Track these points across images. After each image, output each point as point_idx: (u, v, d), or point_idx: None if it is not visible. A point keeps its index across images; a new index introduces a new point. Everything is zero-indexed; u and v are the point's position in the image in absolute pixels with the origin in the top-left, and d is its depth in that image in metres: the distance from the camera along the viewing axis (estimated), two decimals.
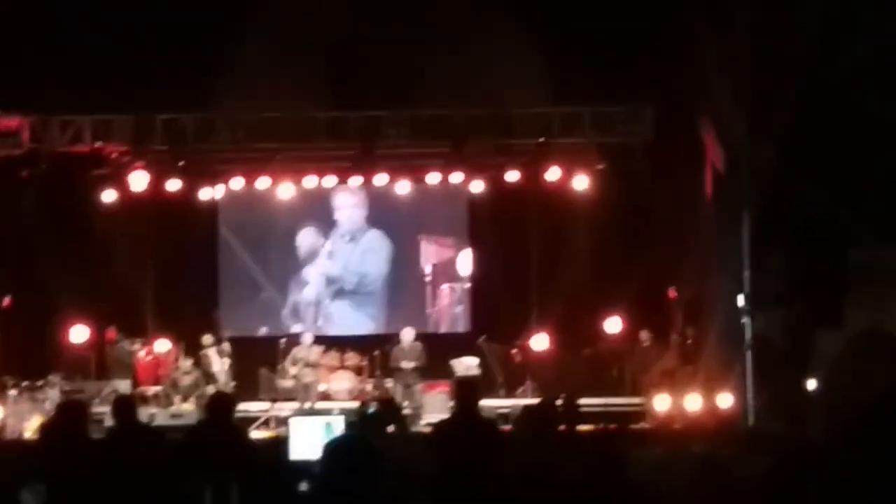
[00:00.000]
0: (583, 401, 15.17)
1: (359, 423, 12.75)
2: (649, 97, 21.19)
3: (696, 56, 19.27)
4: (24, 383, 20.19)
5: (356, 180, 23.22)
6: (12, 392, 19.86)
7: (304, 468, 6.19)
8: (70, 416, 10.36)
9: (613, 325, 22.45)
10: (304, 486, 6.35)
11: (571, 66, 20.37)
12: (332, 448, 5.64)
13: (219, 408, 10.35)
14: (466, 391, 10.03)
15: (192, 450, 9.94)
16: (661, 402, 19.65)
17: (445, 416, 19.13)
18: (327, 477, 5.47)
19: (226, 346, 21.88)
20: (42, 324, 22.12)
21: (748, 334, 19.55)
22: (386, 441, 10.51)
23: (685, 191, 20.54)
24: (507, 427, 14.37)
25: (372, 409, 17.15)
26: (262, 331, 24.01)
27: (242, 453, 9.59)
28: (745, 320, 19.59)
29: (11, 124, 21.22)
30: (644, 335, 21.87)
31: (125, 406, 10.70)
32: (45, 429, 11.58)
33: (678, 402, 19.49)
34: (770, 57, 18.57)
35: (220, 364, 21.42)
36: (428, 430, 19.16)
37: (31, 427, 18.91)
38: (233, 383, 21.09)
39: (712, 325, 20.17)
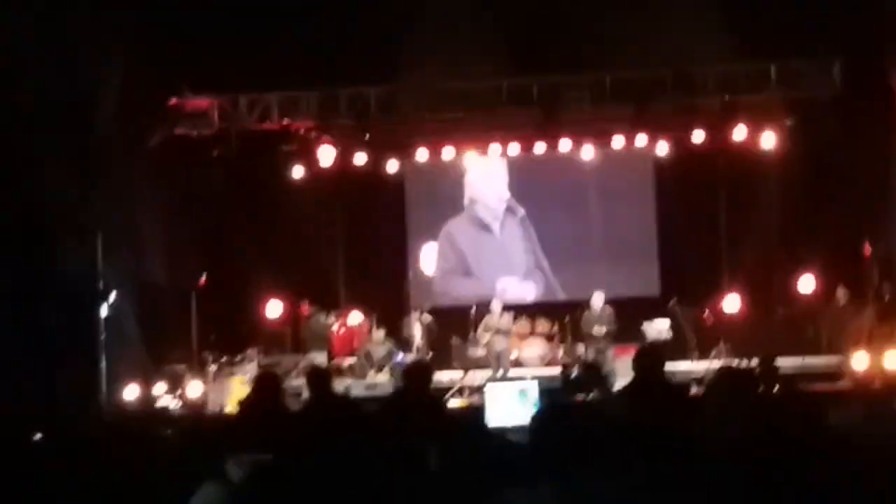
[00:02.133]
0: (779, 361, 14.98)
1: (562, 387, 12.77)
2: (837, 50, 20.73)
3: (884, 6, 18.78)
4: (224, 359, 20.65)
5: (540, 147, 23.15)
6: (212, 367, 20.31)
7: (502, 434, 6.18)
8: (266, 389, 10.54)
9: (807, 283, 22.06)
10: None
11: (755, 20, 20.03)
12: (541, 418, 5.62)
13: (417, 376, 10.42)
14: (647, 360, 9.83)
15: (390, 419, 10.03)
16: (860, 361, 19.23)
17: None
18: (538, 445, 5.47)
19: (427, 316, 22.05)
20: (238, 300, 22.62)
21: None
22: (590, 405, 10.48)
23: (877, 144, 20.06)
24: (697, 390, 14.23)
25: (574, 373, 17.17)
26: (451, 300, 24.13)
27: (441, 422, 9.66)
28: None
29: (201, 105, 21.66)
30: (840, 293, 21.43)
31: (320, 377, 10.82)
32: (243, 403, 11.78)
33: (877, 361, 19.05)
34: None
35: (419, 334, 21.57)
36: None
37: (231, 401, 19.32)
38: (430, 353, 21.21)
39: None
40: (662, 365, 9.62)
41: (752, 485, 5.27)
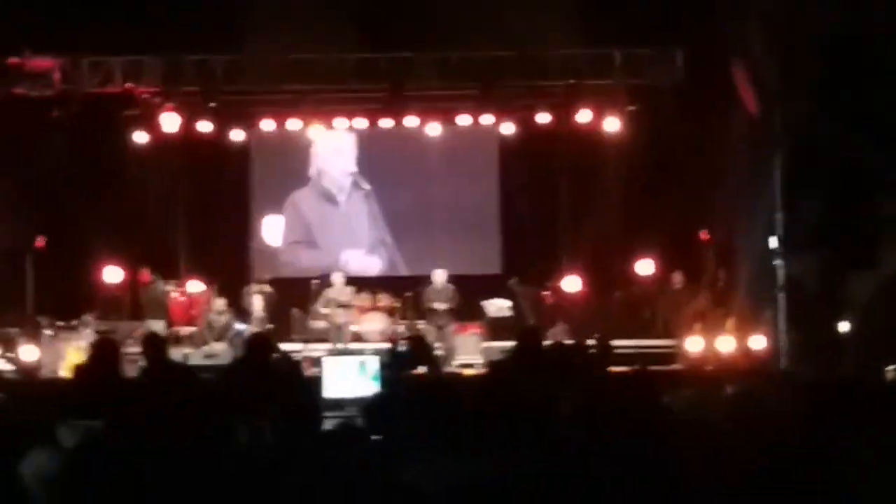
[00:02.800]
0: (615, 342, 15.25)
1: (390, 362, 12.81)
2: (681, 39, 21.08)
3: None
4: (59, 323, 20.36)
5: (387, 122, 23.17)
6: (47, 332, 20.01)
7: (337, 406, 6.24)
8: (104, 355, 10.45)
9: (645, 267, 22.43)
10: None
11: (602, 7, 20.27)
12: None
13: (258, 349, 10.43)
14: (529, 336, 10.06)
15: (227, 388, 10.02)
16: (694, 344, 19.67)
17: (477, 356, 19.40)
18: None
19: (267, 287, 21.97)
20: (75, 264, 22.24)
21: (781, 277, 19.53)
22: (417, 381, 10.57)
23: (716, 133, 20.41)
24: None
25: (402, 347, 17.21)
26: (292, 272, 24.08)
27: (277, 392, 9.68)
28: (778, 263, 19.58)
29: (42, 65, 21.24)
30: (676, 277, 21.85)
31: (155, 344, 10.78)
32: (79, 368, 11.66)
33: (711, 344, 19.51)
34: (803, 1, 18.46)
35: (259, 305, 21.47)
36: (461, 371, 19.35)
37: (65, 366, 19.06)
38: (270, 325, 21.14)
39: (744, 268, 20.15)
40: (540, 344, 9.83)
41: (585, 459, 5.37)
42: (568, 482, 5.09)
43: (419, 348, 12.17)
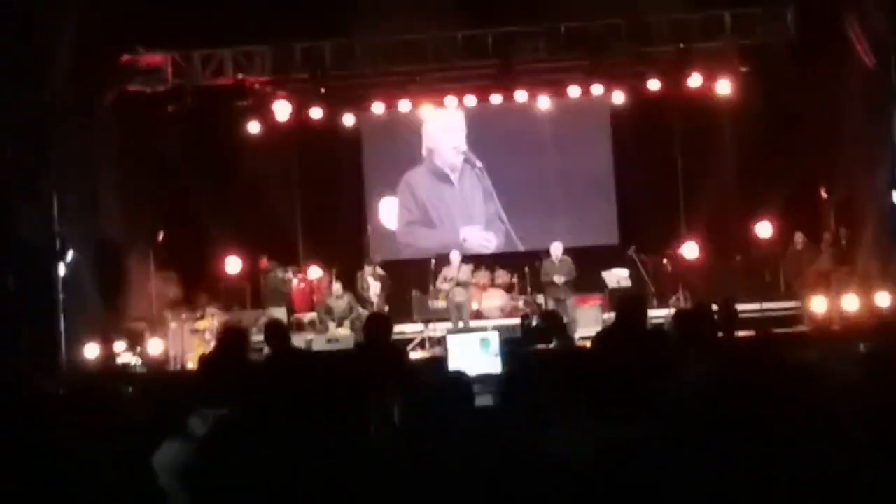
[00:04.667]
0: (738, 306, 15.07)
1: (522, 337, 12.75)
2: None
3: None
4: (184, 315, 20.62)
5: (496, 98, 23.12)
6: (173, 325, 20.28)
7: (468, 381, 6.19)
8: (231, 343, 10.53)
9: (764, 229, 22.21)
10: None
11: None
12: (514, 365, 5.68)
13: (376, 329, 10.42)
14: (632, 305, 9.96)
15: (351, 372, 10.03)
16: (818, 305, 19.41)
17: (598, 328, 19.30)
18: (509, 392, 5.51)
19: (379, 269, 22.04)
20: (196, 257, 22.55)
21: None
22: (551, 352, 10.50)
23: (832, 89, 20.12)
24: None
25: (534, 322, 17.16)
26: (409, 253, 24.15)
27: (403, 373, 9.67)
28: None
29: (155, 61, 21.49)
30: (797, 238, 21.58)
31: (277, 331, 10.81)
32: (205, 358, 11.77)
33: (835, 304, 19.23)
34: None
35: (374, 287, 21.57)
36: (583, 343, 19.26)
37: (192, 357, 19.31)
38: (386, 307, 21.21)
39: (866, 224, 19.82)
40: (644, 312, 9.74)
41: (715, 426, 5.31)
42: (701, 448, 5.04)
43: (552, 321, 12.07)
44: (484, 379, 9.85)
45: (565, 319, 18.91)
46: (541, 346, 11.15)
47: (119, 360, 19.22)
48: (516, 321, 20.53)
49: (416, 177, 24.88)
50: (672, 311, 19.82)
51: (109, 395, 7.10)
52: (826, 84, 20.08)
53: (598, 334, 10.52)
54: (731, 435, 5.05)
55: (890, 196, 19.24)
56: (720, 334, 10.51)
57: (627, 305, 9.94)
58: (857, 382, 6.30)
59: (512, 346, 13.91)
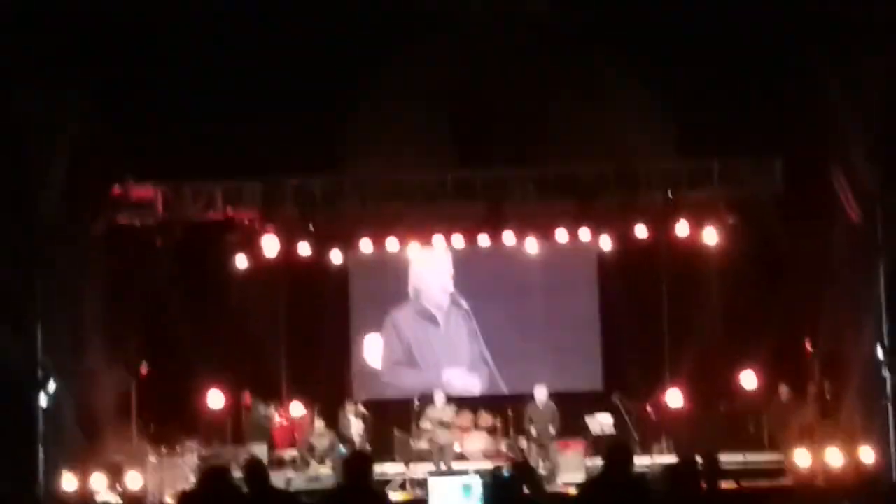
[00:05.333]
0: (721, 457, 14.98)
1: (493, 487, 12.63)
2: (778, 148, 20.94)
3: (825, 106, 19.03)
4: (163, 449, 20.44)
5: (484, 239, 23.19)
6: (152, 458, 20.08)
7: None
8: (212, 482, 10.42)
9: (749, 379, 22.14)
10: None
11: (698, 119, 20.22)
12: None
13: (357, 468, 10.31)
14: (620, 455, 9.93)
15: None
16: (802, 458, 19.29)
17: (581, 474, 19.15)
18: None
19: (361, 407, 21.92)
20: (179, 390, 22.39)
21: (889, 386, 19.15)
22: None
23: (819, 242, 20.21)
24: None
25: (506, 472, 17.04)
26: (393, 392, 24.05)
27: None
28: (885, 373, 19.20)
29: (145, 194, 21.58)
30: (782, 389, 21.54)
31: (256, 470, 10.69)
32: (185, 494, 11.63)
33: (819, 458, 19.12)
34: None
35: (356, 426, 21.45)
36: (565, 489, 19.12)
37: (171, 493, 19.11)
38: (368, 446, 21.04)
39: (851, 378, 19.79)
40: (631, 462, 9.70)
41: None
42: None
43: (523, 473, 11.99)
44: None
45: (540, 464, 18.86)
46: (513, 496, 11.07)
47: (98, 497, 19.01)
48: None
49: (401, 316, 24.86)
50: (655, 459, 19.79)
51: None
52: (813, 236, 20.18)
53: (586, 482, 10.47)
54: None
55: (875, 351, 19.26)
56: (704, 486, 10.46)
57: (615, 454, 9.89)
58: None
59: (496, 492, 13.77)
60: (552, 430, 21.01)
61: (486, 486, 13.43)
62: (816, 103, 19.10)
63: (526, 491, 11.32)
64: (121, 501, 19.14)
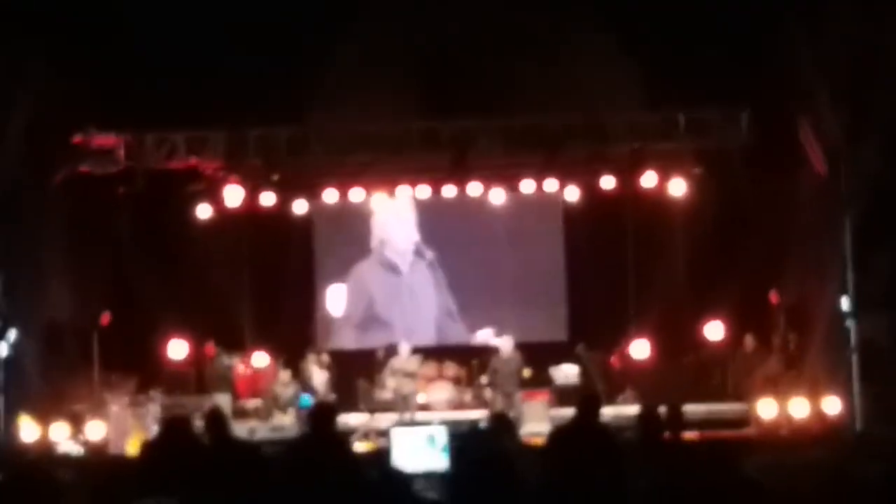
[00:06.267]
0: (686, 407, 15.00)
1: (471, 437, 12.58)
2: (744, 100, 20.91)
3: (792, 58, 18.98)
4: (126, 399, 20.36)
5: (449, 190, 23.10)
6: (114, 408, 19.99)
7: (407, 479, 6.07)
8: (173, 431, 10.37)
9: (715, 330, 22.21)
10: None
11: (665, 71, 20.15)
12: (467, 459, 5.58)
13: (320, 417, 10.28)
14: (592, 403, 9.95)
15: (294, 461, 9.87)
16: (767, 408, 19.36)
17: (545, 425, 19.17)
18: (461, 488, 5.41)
19: (325, 357, 21.90)
20: (141, 340, 22.31)
21: (853, 338, 19.23)
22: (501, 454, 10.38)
23: (784, 194, 20.25)
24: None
25: (483, 423, 17.06)
26: (357, 342, 24.02)
27: (346, 464, 9.53)
28: (850, 323, 19.28)
29: (107, 143, 21.38)
30: (747, 340, 21.63)
31: (216, 420, 10.66)
32: (147, 444, 11.58)
33: (783, 408, 19.21)
34: (869, 54, 18.27)
35: (319, 376, 21.43)
36: (529, 439, 19.10)
37: (132, 442, 19.04)
38: (332, 395, 21.04)
39: (816, 329, 19.87)
40: (599, 411, 9.72)
41: None
42: None
43: (501, 423, 11.94)
44: (429, 476, 9.71)
45: (513, 415, 18.84)
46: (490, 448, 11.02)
47: (59, 448, 18.93)
48: (463, 415, 20.44)
49: (365, 267, 24.81)
50: (619, 410, 19.80)
51: (47, 481, 6.94)
52: (779, 188, 20.21)
53: (555, 432, 10.45)
54: None
55: (839, 302, 19.33)
56: (667, 435, 10.47)
57: (587, 405, 9.91)
58: (804, 490, 6.23)
59: (460, 443, 13.74)
60: (516, 381, 21.00)
61: (460, 437, 13.35)
62: (783, 55, 19.04)
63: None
64: (82, 451, 19.05)
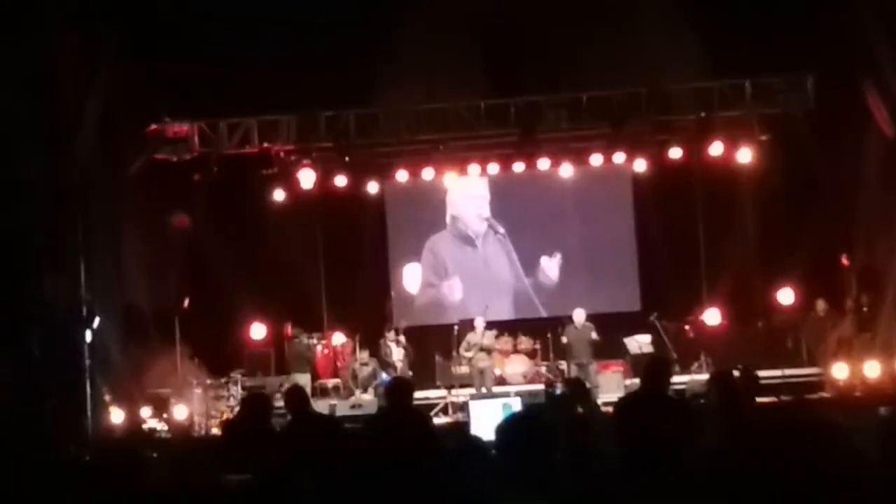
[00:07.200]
0: (760, 373, 15.11)
1: (547, 404, 12.77)
2: (810, 65, 20.91)
3: (855, 21, 18.95)
4: (208, 381, 20.74)
5: (519, 166, 23.26)
6: (197, 390, 20.37)
7: (486, 447, 6.29)
8: (254, 410, 10.65)
9: (786, 295, 22.22)
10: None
11: (729, 38, 20.14)
12: (506, 425, 5.78)
13: (398, 391, 10.50)
14: (658, 367, 10.04)
15: (373, 434, 10.09)
16: (840, 371, 19.42)
17: (620, 395, 19.32)
18: (502, 453, 5.61)
19: (402, 336, 22.13)
20: (221, 323, 22.68)
21: None
22: (575, 421, 10.56)
23: (851, 157, 20.19)
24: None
25: (559, 390, 17.20)
26: (433, 319, 24.27)
27: (425, 435, 9.75)
28: None
29: (181, 131, 21.74)
30: (819, 304, 21.61)
31: (297, 396, 10.89)
32: (229, 423, 11.86)
33: (857, 370, 19.24)
34: None
35: (397, 353, 21.67)
36: (605, 409, 19.27)
37: (216, 423, 19.42)
38: (410, 372, 21.28)
39: (888, 291, 19.84)
40: (670, 378, 9.79)
41: (738, 495, 5.37)
42: None
43: (576, 389, 12.14)
44: None
45: (588, 385, 18.99)
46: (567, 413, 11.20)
47: (145, 426, 19.36)
48: (539, 387, 20.61)
49: (439, 241, 25.01)
50: (693, 377, 19.92)
51: (133, 460, 7.21)
52: (846, 152, 20.16)
53: (622, 399, 10.59)
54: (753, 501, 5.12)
55: None
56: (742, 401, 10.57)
57: (653, 370, 9.99)
58: (878, 446, 6.36)
59: (550, 411, 13.94)
60: (591, 352, 21.15)
61: (525, 407, 13.57)
62: (848, 19, 19.02)
63: (579, 409, 11.46)
64: (167, 432, 19.44)
